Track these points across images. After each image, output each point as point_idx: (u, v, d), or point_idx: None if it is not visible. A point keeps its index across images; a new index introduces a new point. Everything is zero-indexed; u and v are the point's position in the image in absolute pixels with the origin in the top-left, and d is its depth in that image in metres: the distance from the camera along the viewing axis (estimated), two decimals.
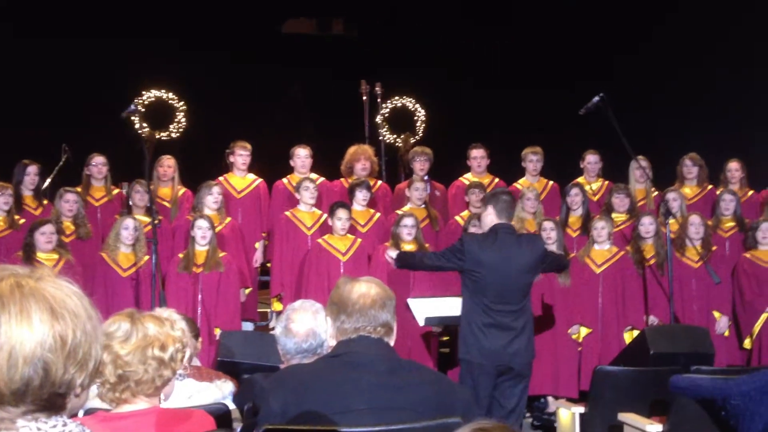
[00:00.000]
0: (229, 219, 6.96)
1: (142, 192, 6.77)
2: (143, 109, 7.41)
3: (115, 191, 7.32)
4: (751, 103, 9.00)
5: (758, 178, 7.63)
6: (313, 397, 2.41)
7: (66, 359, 1.36)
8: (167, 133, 11.34)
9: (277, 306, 6.92)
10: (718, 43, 9.30)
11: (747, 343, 6.63)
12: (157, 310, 2.45)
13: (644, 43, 9.66)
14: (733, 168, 7.46)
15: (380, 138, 9.33)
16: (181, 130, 11.41)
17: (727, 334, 6.65)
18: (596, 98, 6.20)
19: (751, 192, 7.51)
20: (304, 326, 3.16)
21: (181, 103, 11.41)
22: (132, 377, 2.26)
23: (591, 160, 7.66)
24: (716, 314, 6.66)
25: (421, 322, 5.47)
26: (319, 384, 2.44)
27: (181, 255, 6.49)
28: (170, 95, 11.36)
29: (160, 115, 10.96)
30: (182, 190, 7.27)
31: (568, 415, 5.04)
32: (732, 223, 7.07)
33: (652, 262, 6.69)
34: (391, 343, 2.57)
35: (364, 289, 2.57)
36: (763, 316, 6.57)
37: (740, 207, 7.10)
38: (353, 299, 2.54)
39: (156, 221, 5.97)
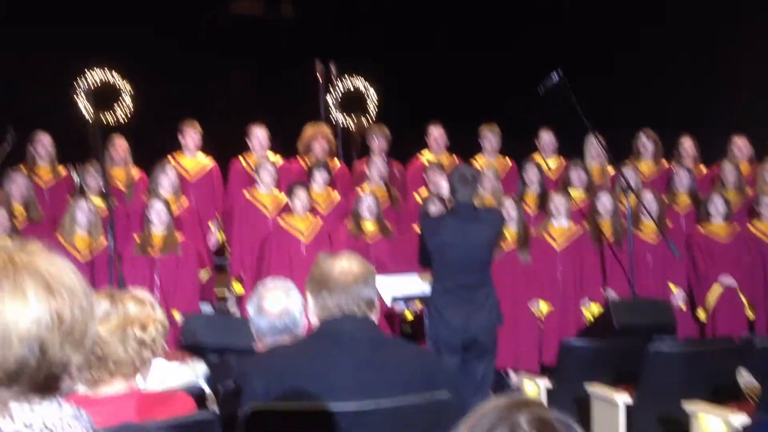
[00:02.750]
0: (185, 200, 6.81)
1: (95, 174, 6.57)
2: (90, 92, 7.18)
3: (62, 171, 7.09)
4: (703, 81, 9.16)
5: (709, 154, 7.77)
6: (298, 377, 2.36)
7: (63, 338, 1.29)
8: (113, 114, 11.08)
9: (237, 287, 6.82)
10: (675, 22, 9.42)
11: (702, 316, 6.77)
12: (131, 290, 2.35)
13: (599, 16, 9.73)
14: (687, 144, 7.58)
15: (333, 118, 9.26)
16: (127, 113, 11.15)
17: (683, 307, 6.79)
18: (553, 74, 6.21)
19: (703, 167, 7.65)
20: (278, 305, 3.11)
21: (127, 84, 11.14)
22: (111, 357, 2.18)
23: (545, 137, 7.69)
24: (672, 287, 6.78)
25: (388, 302, 5.46)
26: (304, 363, 2.39)
27: (137, 238, 6.33)
28: (116, 76, 11.08)
29: (105, 96, 10.69)
30: (136, 172, 7.08)
31: (534, 388, 5.08)
32: (687, 199, 7.20)
33: (609, 238, 6.77)
34: (375, 319, 2.53)
35: (346, 265, 2.52)
36: (717, 289, 6.71)
37: (695, 183, 7.23)
38: (335, 275, 2.49)
39: (111, 203, 5.81)
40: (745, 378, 3.76)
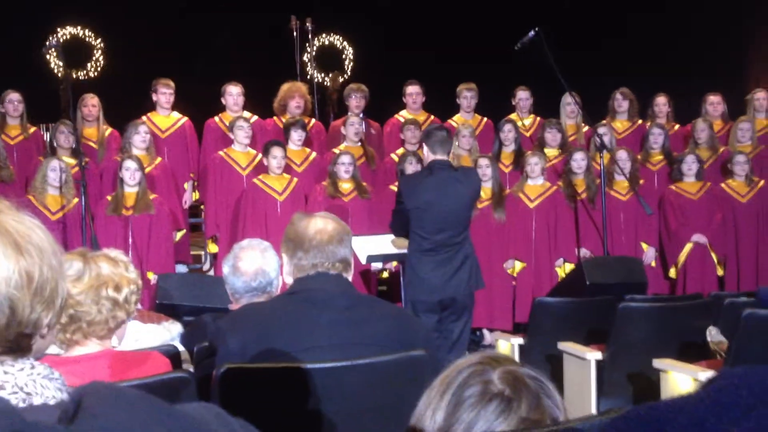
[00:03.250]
0: (159, 159, 6.75)
1: (66, 133, 6.48)
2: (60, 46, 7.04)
3: (32, 130, 6.99)
4: (678, 41, 9.19)
5: (684, 112, 7.82)
6: (273, 335, 2.36)
7: (33, 297, 1.27)
8: (84, 71, 10.92)
9: (212, 247, 6.81)
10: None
11: (672, 273, 6.88)
12: (104, 250, 2.33)
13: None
14: (661, 102, 7.62)
15: (309, 76, 9.16)
16: (99, 68, 10.99)
17: (653, 264, 6.89)
18: (531, 33, 6.20)
19: (677, 126, 7.70)
20: (253, 265, 3.09)
21: (99, 40, 10.96)
22: (84, 317, 2.16)
23: (522, 96, 7.70)
24: (644, 245, 6.87)
25: (363, 260, 5.46)
26: (279, 322, 2.39)
27: (109, 197, 6.28)
28: (87, 32, 10.90)
29: (76, 53, 10.51)
30: (108, 130, 6.99)
31: (507, 347, 5.14)
32: (660, 157, 7.25)
33: (583, 196, 6.82)
34: (350, 278, 2.54)
35: (321, 224, 2.51)
36: (688, 246, 6.81)
37: (668, 141, 7.28)
38: (310, 235, 2.48)
39: (83, 162, 5.73)
40: (713, 335, 3.83)
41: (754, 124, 7.42)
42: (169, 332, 3.23)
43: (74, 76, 10.13)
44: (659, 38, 9.38)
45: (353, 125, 7.06)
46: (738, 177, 6.95)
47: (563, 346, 4.57)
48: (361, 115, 7.34)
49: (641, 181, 6.92)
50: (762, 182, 7.00)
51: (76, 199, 6.07)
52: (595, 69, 8.95)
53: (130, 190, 6.21)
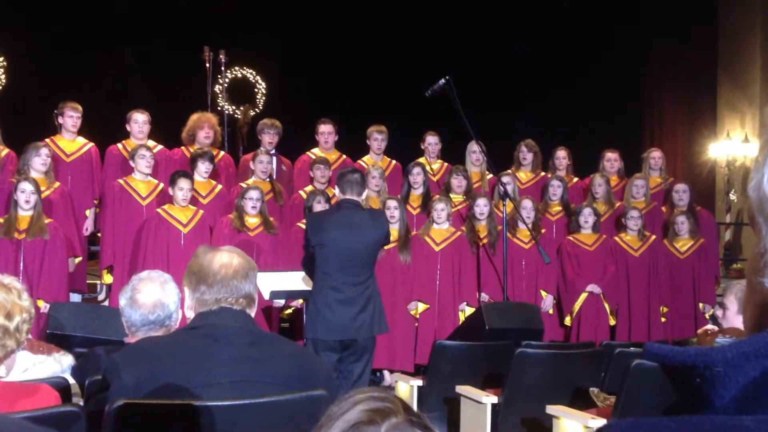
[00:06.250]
0: (57, 183, 6.52)
1: None
2: None
3: None
4: (579, 99, 9.64)
5: (582, 166, 8.15)
6: (171, 371, 2.30)
7: None
8: None
9: (107, 278, 6.59)
10: (555, 45, 9.88)
11: (567, 321, 7.09)
12: None
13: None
14: (561, 156, 7.92)
15: (220, 107, 9.10)
16: None
17: (551, 311, 7.09)
18: (441, 81, 6.37)
19: (576, 179, 8.01)
20: (151, 297, 3.02)
21: (1, 58, 10.61)
22: None
23: (431, 141, 7.84)
24: (543, 293, 7.07)
25: (267, 296, 5.39)
26: (177, 357, 2.33)
27: (1, 219, 6.01)
28: None
29: None
30: (5, 151, 6.71)
31: (406, 388, 5.16)
32: (559, 208, 7.52)
33: (485, 241, 6.98)
34: (253, 315, 2.50)
35: (226, 258, 2.47)
36: (583, 296, 7.05)
37: (567, 192, 7.56)
38: (214, 269, 2.44)
39: None
40: (596, 394, 3.97)
41: (648, 182, 7.79)
42: (59, 364, 3.10)
43: None
44: (565, 97, 9.84)
45: (262, 162, 7.02)
46: (631, 231, 7.26)
47: (461, 389, 4.63)
48: (272, 152, 7.31)
49: (543, 231, 7.14)
50: (654, 237, 7.34)
51: None
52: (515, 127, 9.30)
53: (24, 214, 5.97)
